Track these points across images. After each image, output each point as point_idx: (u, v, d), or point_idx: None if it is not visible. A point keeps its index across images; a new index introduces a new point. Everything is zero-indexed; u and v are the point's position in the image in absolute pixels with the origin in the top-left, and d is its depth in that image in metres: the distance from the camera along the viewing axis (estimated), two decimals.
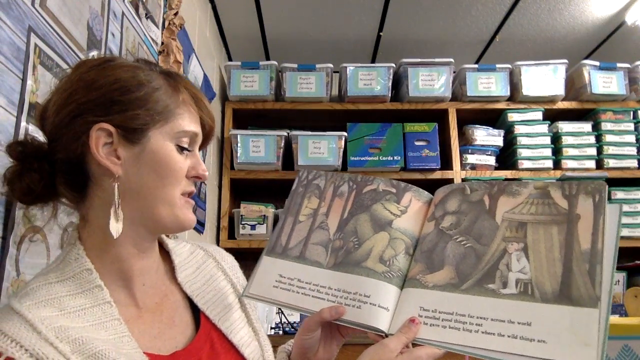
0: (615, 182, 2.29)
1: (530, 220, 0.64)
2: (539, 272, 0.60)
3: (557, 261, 0.60)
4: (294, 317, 2.14)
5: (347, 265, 0.71)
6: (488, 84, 2.33)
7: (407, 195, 0.75)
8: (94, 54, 1.05)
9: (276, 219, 2.04)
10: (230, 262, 0.85)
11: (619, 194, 2.26)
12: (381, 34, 2.42)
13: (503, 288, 0.61)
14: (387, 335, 0.63)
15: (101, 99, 0.62)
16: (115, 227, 0.61)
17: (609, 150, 2.29)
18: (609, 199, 2.25)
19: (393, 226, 0.72)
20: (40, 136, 0.66)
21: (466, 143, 2.36)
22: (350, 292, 0.68)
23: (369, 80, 2.30)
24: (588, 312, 0.55)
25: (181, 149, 0.66)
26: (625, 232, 2.22)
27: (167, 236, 0.80)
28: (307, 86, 2.31)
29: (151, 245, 0.69)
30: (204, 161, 1.94)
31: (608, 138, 2.30)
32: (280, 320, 2.13)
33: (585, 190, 0.62)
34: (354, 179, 0.80)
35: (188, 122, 0.67)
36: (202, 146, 0.73)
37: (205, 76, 2.00)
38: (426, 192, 0.75)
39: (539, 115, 2.34)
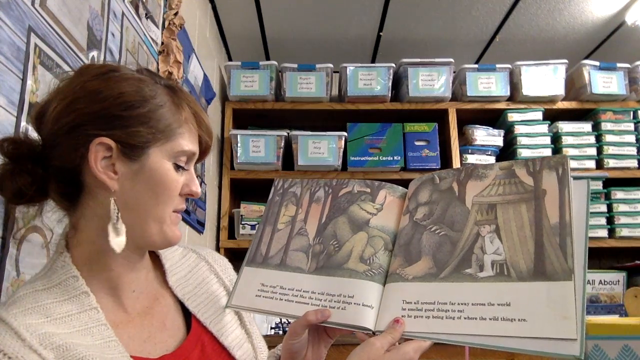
0: (615, 182, 2.29)
1: (499, 201, 0.65)
2: (513, 251, 0.60)
3: (529, 238, 0.60)
4: None
5: (329, 268, 0.71)
6: (488, 84, 2.33)
7: (381, 193, 0.75)
8: (94, 54, 1.05)
9: None
10: (224, 265, 0.85)
11: (619, 194, 2.26)
12: (381, 34, 2.42)
13: (480, 271, 0.61)
14: (374, 333, 0.64)
15: (104, 112, 0.61)
16: (117, 242, 0.60)
17: (609, 150, 2.29)
18: (609, 198, 2.25)
19: (370, 225, 0.73)
20: (35, 135, 0.65)
21: (466, 143, 2.36)
22: (334, 294, 0.68)
23: (369, 80, 2.30)
24: (563, 285, 0.55)
25: (177, 167, 0.66)
26: (625, 232, 2.22)
27: None
28: (307, 86, 2.30)
29: (141, 255, 0.69)
30: (203, 162, 1.95)
31: (608, 138, 2.30)
32: (280, 320, 2.13)
33: (548, 165, 0.63)
34: (329, 184, 0.80)
35: (187, 142, 0.67)
36: (198, 161, 0.73)
37: (205, 76, 2.00)
38: (400, 187, 0.76)
39: (539, 115, 2.34)
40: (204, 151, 0.72)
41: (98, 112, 0.61)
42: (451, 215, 0.67)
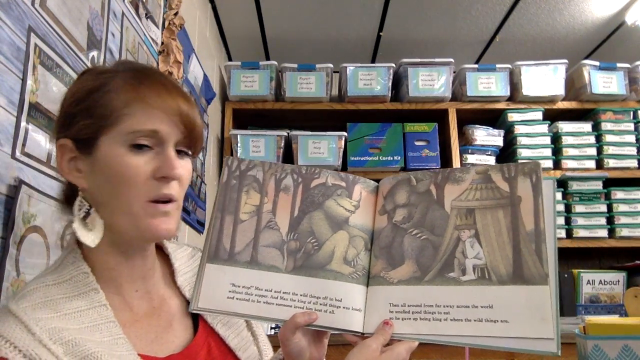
0: (615, 182, 2.29)
1: (477, 206, 0.67)
2: (492, 256, 0.64)
3: (507, 244, 0.63)
4: None
5: (310, 268, 0.69)
6: (488, 84, 2.33)
7: (357, 188, 0.73)
8: (94, 54, 1.05)
9: None
10: None
11: (619, 194, 2.26)
12: (381, 34, 2.42)
13: (462, 275, 0.64)
14: (362, 334, 0.65)
15: (63, 114, 0.65)
16: (87, 238, 0.61)
17: (609, 150, 2.29)
18: (609, 198, 2.25)
19: (350, 224, 0.71)
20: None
21: (466, 143, 2.36)
22: (320, 297, 0.67)
23: (369, 80, 2.30)
24: (540, 289, 0.60)
25: (139, 147, 0.61)
26: (625, 232, 2.22)
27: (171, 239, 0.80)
28: (307, 86, 2.30)
29: (140, 253, 0.67)
30: (203, 162, 1.95)
31: (608, 138, 2.30)
32: None
33: (523, 172, 0.66)
34: (298, 171, 0.74)
35: (141, 121, 0.61)
36: (191, 146, 0.66)
37: (205, 76, 2.00)
38: (372, 181, 0.75)
39: (539, 115, 2.34)
40: (188, 132, 0.64)
41: (61, 116, 0.65)
42: (431, 219, 0.69)
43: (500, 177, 0.67)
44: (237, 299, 0.68)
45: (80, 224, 0.62)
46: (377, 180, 0.76)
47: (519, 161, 2.23)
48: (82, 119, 0.62)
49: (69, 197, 0.67)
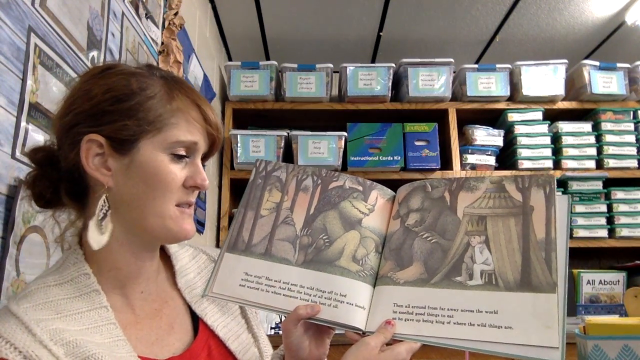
0: (615, 182, 2.29)
1: (489, 213, 0.68)
2: (501, 262, 0.64)
3: (517, 251, 0.64)
4: None
5: (319, 263, 0.71)
6: (488, 84, 2.32)
7: (373, 194, 0.76)
8: (94, 54, 1.05)
9: None
10: None
11: (619, 194, 2.26)
12: (381, 34, 2.42)
13: (469, 280, 0.65)
14: (364, 333, 0.65)
15: (94, 109, 0.62)
16: (97, 239, 0.60)
17: (609, 150, 2.29)
18: (609, 198, 2.25)
19: (363, 225, 0.73)
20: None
21: (466, 143, 2.36)
22: (325, 291, 0.68)
23: (369, 80, 2.30)
24: (547, 297, 0.60)
25: (178, 157, 0.64)
26: (625, 232, 2.22)
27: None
28: (307, 86, 2.30)
29: (150, 254, 0.68)
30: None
31: (608, 138, 2.30)
32: (280, 319, 2.13)
33: (537, 183, 0.67)
34: (318, 173, 0.78)
35: (184, 132, 0.64)
36: (208, 155, 0.71)
37: (205, 76, 2.00)
38: (389, 190, 0.77)
39: (539, 115, 2.34)
40: (212, 143, 0.70)
41: (89, 110, 0.62)
42: (443, 224, 0.70)
43: (513, 187, 0.68)
44: (248, 287, 0.71)
45: (97, 224, 0.61)
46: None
47: (519, 161, 2.28)
48: (123, 120, 0.62)
49: (76, 194, 0.65)
